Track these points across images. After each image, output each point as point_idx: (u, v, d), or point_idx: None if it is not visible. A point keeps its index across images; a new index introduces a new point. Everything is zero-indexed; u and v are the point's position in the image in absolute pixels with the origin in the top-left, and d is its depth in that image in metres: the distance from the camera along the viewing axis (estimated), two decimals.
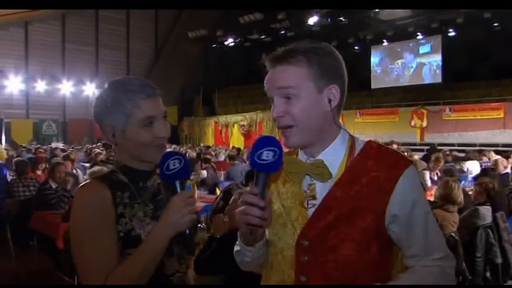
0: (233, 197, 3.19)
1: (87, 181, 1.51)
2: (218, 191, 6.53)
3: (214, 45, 25.75)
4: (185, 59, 26.35)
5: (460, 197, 4.03)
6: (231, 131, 23.26)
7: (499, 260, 4.15)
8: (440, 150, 10.54)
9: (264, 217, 1.21)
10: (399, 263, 1.34)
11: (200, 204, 5.36)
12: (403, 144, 14.19)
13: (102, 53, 25.25)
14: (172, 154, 1.36)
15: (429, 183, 7.09)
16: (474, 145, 15.00)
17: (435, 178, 7.20)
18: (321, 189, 1.29)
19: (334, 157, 1.31)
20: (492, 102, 16.36)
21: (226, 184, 6.86)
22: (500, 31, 18.39)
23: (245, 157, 12.34)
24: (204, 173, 8.41)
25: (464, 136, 16.49)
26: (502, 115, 15.86)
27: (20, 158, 8.46)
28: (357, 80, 22.48)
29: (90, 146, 16.26)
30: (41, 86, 22.96)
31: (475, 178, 6.34)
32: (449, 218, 3.97)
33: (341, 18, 19.20)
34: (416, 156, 9.62)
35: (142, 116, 1.39)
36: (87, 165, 9.66)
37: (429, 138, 17.08)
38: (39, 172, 7.56)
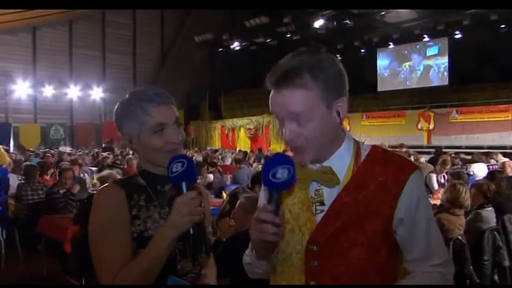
0: (239, 201, 3.21)
1: (107, 184, 1.60)
2: (224, 195, 6.55)
3: (220, 49, 25.80)
4: (191, 63, 26.42)
5: (468, 201, 4.01)
6: (237, 135, 23.28)
7: (507, 263, 4.13)
8: (446, 153, 10.50)
9: (279, 234, 1.21)
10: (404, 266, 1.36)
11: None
12: (410, 147, 14.14)
13: (108, 58, 25.38)
14: (176, 157, 1.39)
15: (435, 186, 7.07)
16: (481, 147, 14.93)
17: (442, 181, 7.17)
18: (328, 194, 1.31)
19: (340, 162, 1.32)
20: (500, 104, 16.27)
21: (233, 187, 6.88)
22: (507, 32, 18.30)
23: (251, 160, 12.36)
24: (211, 176, 8.42)
25: (472, 139, 16.41)
26: (509, 117, 15.78)
27: (28, 163, 8.52)
28: (363, 83, 22.45)
29: (97, 150, 16.34)
30: (48, 90, 23.10)
31: None
32: (456, 221, 3.96)
33: (347, 21, 19.18)
34: (423, 159, 9.59)
35: (153, 123, 1.47)
36: (95, 169, 9.72)
37: (436, 141, 17.01)
38: (47, 177, 7.61)
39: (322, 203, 1.31)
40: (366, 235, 1.26)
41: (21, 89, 22.25)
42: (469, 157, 10.32)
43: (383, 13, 18.17)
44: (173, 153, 1.47)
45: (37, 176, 7.13)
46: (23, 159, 11.64)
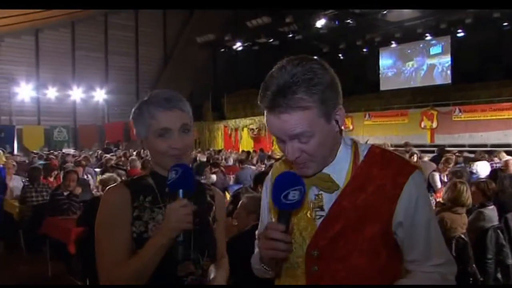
0: (241, 201, 3.22)
1: (115, 184, 1.66)
2: (227, 195, 6.57)
3: (223, 50, 25.85)
4: (194, 64, 26.46)
5: (469, 199, 4.01)
6: (240, 135, 23.28)
7: (510, 261, 4.12)
8: (450, 151, 10.48)
9: (289, 250, 1.24)
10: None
11: None
12: (413, 146, 14.08)
13: (111, 60, 25.46)
14: (173, 166, 1.44)
15: (439, 184, 7.05)
16: (485, 145, 14.89)
17: (445, 179, 7.15)
18: (328, 199, 1.30)
19: (339, 167, 1.31)
20: (503, 102, 16.21)
21: (236, 188, 6.90)
22: (510, 30, 18.28)
23: (254, 161, 12.37)
24: (214, 177, 8.44)
25: (475, 137, 16.37)
26: None
27: (34, 165, 8.56)
28: (366, 83, 22.45)
29: (101, 151, 16.40)
30: (52, 93, 23.19)
31: None
32: (458, 220, 3.96)
33: (349, 21, 19.17)
34: (426, 158, 9.58)
35: (158, 127, 1.50)
36: (98, 170, 9.75)
37: (439, 140, 16.97)
38: (51, 179, 7.64)
39: (321, 208, 1.31)
40: (366, 239, 1.25)
41: (25, 92, 22.35)
42: (472, 155, 10.30)
43: (385, 12, 18.18)
44: (177, 158, 1.50)
45: (41, 178, 7.16)
46: (27, 161, 11.69)
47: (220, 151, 17.56)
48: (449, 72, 20.54)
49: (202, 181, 2.75)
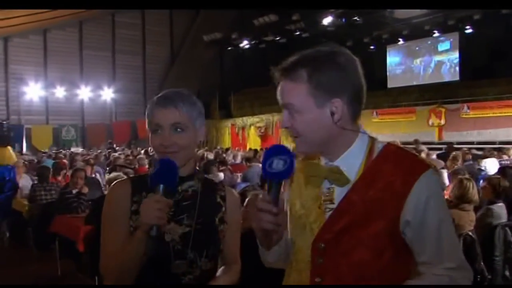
0: (247, 198, 3.23)
1: (119, 180, 1.76)
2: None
3: (229, 48, 25.84)
4: (201, 63, 26.48)
5: (476, 196, 4.00)
6: (247, 133, 23.28)
7: None
8: (458, 149, 10.42)
9: (277, 223, 1.25)
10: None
11: None
12: (421, 144, 14.04)
13: (118, 59, 25.55)
14: (157, 161, 1.48)
15: (446, 182, 7.02)
16: (493, 143, 14.77)
17: None
18: (340, 193, 1.31)
19: (352, 161, 1.32)
20: None
21: (243, 186, 6.90)
22: None
23: (261, 159, 12.35)
24: (221, 175, 8.44)
25: (483, 134, 16.25)
26: None
27: (42, 164, 8.63)
28: (373, 80, 22.34)
29: (106, 150, 16.48)
30: (60, 92, 23.33)
31: None
32: (466, 217, 3.95)
33: (356, 18, 19.10)
34: (434, 155, 9.53)
35: (152, 123, 1.56)
36: (107, 168, 9.80)
37: (448, 137, 16.87)
38: (59, 178, 7.70)
39: (331, 201, 1.32)
40: (370, 235, 1.25)
41: (33, 91, 22.50)
42: (481, 152, 10.23)
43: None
44: (168, 155, 1.52)
45: (50, 177, 7.22)
46: (35, 160, 11.77)
47: (227, 149, 17.58)
48: (457, 68, 20.40)
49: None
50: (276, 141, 20.67)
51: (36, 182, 7.24)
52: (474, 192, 3.99)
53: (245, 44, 24.45)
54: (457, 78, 20.31)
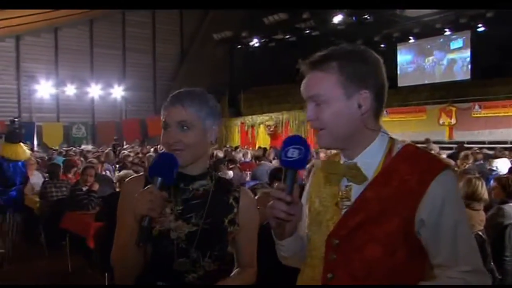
0: (256, 197, 3.23)
1: (135, 176, 1.81)
2: None
3: (239, 46, 25.87)
4: (211, 61, 26.52)
5: (485, 194, 3.97)
6: (257, 132, 23.28)
7: None
8: (469, 148, 10.35)
9: (290, 212, 1.25)
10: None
11: None
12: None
13: (129, 57, 25.66)
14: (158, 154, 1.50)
15: None
16: (505, 142, 14.66)
17: None
18: (357, 191, 1.32)
19: (370, 160, 1.33)
20: None
21: (252, 184, 6.91)
22: None
23: (271, 157, 12.36)
24: (231, 173, 8.47)
25: (495, 134, 16.11)
26: None
27: (53, 162, 8.70)
28: None
29: (119, 148, 16.53)
30: (70, 90, 23.48)
31: None
32: (476, 216, 3.91)
33: (366, 16, 19.04)
34: (444, 155, 9.48)
35: (162, 120, 1.59)
36: (117, 166, 9.86)
37: (458, 136, 16.75)
38: (70, 175, 7.76)
39: (348, 199, 1.33)
40: (384, 233, 1.24)
41: (44, 89, 22.67)
42: (492, 152, 10.15)
43: None
44: (174, 152, 1.53)
45: (61, 174, 7.28)
46: (46, 157, 11.87)
47: (236, 147, 17.59)
48: (468, 67, 20.23)
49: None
50: None
51: (47, 179, 7.30)
52: (483, 190, 3.96)
53: (255, 42, 24.47)
54: (468, 77, 20.13)
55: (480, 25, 19.11)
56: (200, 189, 1.62)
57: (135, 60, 25.73)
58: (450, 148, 12.58)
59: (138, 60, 25.88)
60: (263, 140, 22.29)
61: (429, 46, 21.73)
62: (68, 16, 21.02)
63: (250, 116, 24.08)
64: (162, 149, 1.66)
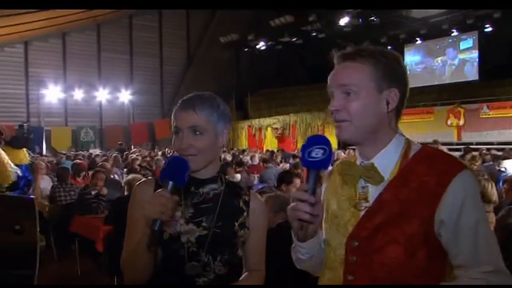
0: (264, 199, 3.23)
1: (145, 179, 1.79)
2: None
3: (246, 49, 25.90)
4: (217, 64, 26.57)
5: (495, 196, 3.93)
6: (264, 134, 23.29)
7: None
8: (476, 150, 10.28)
9: (314, 213, 1.25)
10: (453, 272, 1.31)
11: None
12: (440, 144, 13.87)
13: (136, 61, 25.75)
14: (169, 158, 1.50)
15: None
16: None
17: None
18: (375, 192, 1.32)
19: (387, 160, 1.33)
20: None
21: (260, 187, 6.91)
22: None
23: (278, 160, 12.36)
24: (238, 176, 8.48)
25: (504, 134, 15.98)
26: None
27: (62, 165, 8.75)
28: None
29: (127, 151, 16.58)
30: (78, 94, 23.59)
31: None
32: None
33: (373, 18, 18.99)
34: None
35: (174, 125, 1.59)
36: (125, 170, 9.89)
37: (467, 137, 16.65)
38: (79, 179, 7.80)
39: (366, 200, 1.33)
40: (404, 234, 1.24)
41: (52, 94, 22.80)
42: (501, 153, 10.09)
43: None
44: (187, 156, 1.52)
45: (70, 178, 7.32)
46: (54, 161, 11.94)
47: (244, 150, 17.61)
48: (476, 68, 20.11)
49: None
50: (293, 143, 20.65)
51: (56, 183, 7.35)
52: (493, 191, 3.93)
53: (261, 45, 24.48)
54: (476, 77, 20.02)
55: (487, 25, 19.01)
56: (211, 192, 1.62)
57: (142, 64, 25.81)
58: (459, 150, 12.50)
59: (145, 64, 25.96)
60: (270, 143, 22.29)
61: (438, 47, 21.62)
62: (75, 21, 21.16)
63: (257, 119, 24.09)
64: (170, 152, 1.66)
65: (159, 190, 1.40)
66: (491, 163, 8.15)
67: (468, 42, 20.48)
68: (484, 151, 9.93)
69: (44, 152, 19.16)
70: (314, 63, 23.82)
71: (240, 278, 1.67)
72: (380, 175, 1.31)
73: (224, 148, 19.78)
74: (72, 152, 16.87)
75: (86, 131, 23.74)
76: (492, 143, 15.21)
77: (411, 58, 22.47)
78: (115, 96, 24.82)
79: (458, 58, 20.87)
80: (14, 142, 6.39)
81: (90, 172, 7.30)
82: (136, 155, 12.44)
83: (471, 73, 20.36)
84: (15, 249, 2.79)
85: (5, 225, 2.76)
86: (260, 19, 24.49)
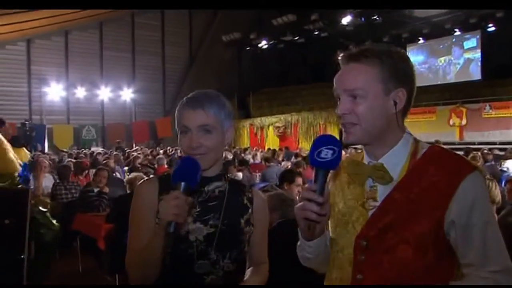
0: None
1: (148, 178, 1.79)
2: None
3: (248, 48, 25.89)
4: (219, 63, 26.56)
5: (498, 196, 3.93)
6: (266, 133, 23.29)
7: None
8: (478, 150, 10.26)
9: (321, 213, 1.25)
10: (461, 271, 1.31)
11: None
12: (442, 144, 13.84)
13: (138, 59, 25.75)
14: (180, 159, 1.49)
15: None
16: None
17: None
18: (383, 192, 1.32)
19: (396, 160, 1.33)
20: None
21: (262, 185, 6.91)
22: None
23: (280, 158, 12.36)
24: (240, 175, 8.48)
25: (506, 134, 15.96)
26: None
27: (64, 163, 8.75)
28: None
29: (129, 150, 16.59)
30: (80, 92, 23.60)
31: None
32: None
33: (375, 17, 18.96)
34: None
35: (181, 124, 1.57)
36: (126, 168, 9.90)
37: (469, 137, 16.63)
38: (81, 177, 7.81)
39: (375, 199, 1.33)
40: (414, 234, 1.25)
41: (55, 92, 22.81)
42: (503, 153, 10.07)
43: None
44: (195, 156, 1.52)
45: (72, 176, 7.33)
46: (56, 159, 11.95)
47: (246, 149, 17.61)
48: (479, 67, 20.06)
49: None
50: (295, 142, 20.65)
51: (57, 181, 7.36)
52: (496, 192, 3.92)
53: (263, 44, 24.47)
54: (478, 77, 19.97)
55: (490, 25, 18.97)
56: (216, 190, 1.62)
57: (144, 62, 25.81)
58: (461, 149, 12.48)
59: (147, 62, 25.96)
60: (272, 141, 22.29)
61: (441, 46, 21.57)
62: (78, 19, 21.15)
63: (259, 118, 24.09)
64: (172, 151, 1.66)
65: (172, 192, 1.39)
66: (492, 163, 8.13)
67: (472, 41, 20.42)
68: (486, 151, 9.91)
69: (46, 150, 19.19)
70: (316, 62, 23.84)
71: (247, 272, 1.68)
72: (389, 175, 1.31)
73: (226, 147, 19.78)
74: (74, 150, 16.88)
75: (88, 129, 23.75)
76: (494, 143, 15.18)
77: (414, 57, 22.37)
78: (117, 95, 24.82)
79: (463, 57, 20.80)
80: (14, 141, 6.41)
81: (92, 170, 7.30)
82: (138, 153, 12.45)
83: (476, 73, 20.32)
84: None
85: None
86: (262, 18, 24.47)
